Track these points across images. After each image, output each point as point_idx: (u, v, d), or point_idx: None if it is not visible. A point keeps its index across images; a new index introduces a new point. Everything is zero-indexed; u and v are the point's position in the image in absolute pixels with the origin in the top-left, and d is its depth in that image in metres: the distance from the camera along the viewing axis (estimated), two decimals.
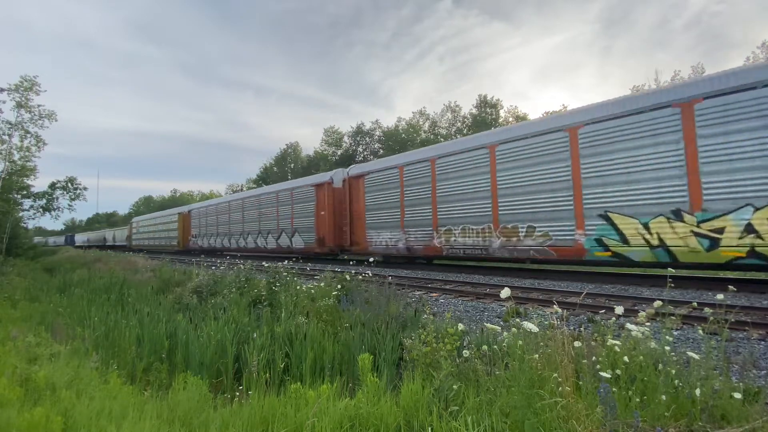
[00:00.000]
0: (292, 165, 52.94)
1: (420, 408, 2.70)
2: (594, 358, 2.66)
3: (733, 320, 4.33)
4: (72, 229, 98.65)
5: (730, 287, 3.79)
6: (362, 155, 44.88)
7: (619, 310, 3.02)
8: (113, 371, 4.31)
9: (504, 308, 6.99)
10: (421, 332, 3.72)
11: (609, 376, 2.37)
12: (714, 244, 7.65)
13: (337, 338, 4.83)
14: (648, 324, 3.03)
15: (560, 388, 2.26)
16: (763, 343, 4.72)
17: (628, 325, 2.81)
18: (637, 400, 2.38)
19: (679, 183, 8.09)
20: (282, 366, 4.46)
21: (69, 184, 24.39)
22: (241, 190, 62.89)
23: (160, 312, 6.98)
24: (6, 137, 19.44)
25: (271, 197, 21.89)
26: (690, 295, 7.24)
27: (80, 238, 70.96)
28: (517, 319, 3.69)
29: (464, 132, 40.53)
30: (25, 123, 19.78)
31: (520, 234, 10.69)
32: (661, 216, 8.29)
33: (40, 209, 23.82)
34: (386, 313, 5.40)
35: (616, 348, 2.70)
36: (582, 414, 2.16)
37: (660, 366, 2.58)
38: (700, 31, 62.61)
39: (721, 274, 10.28)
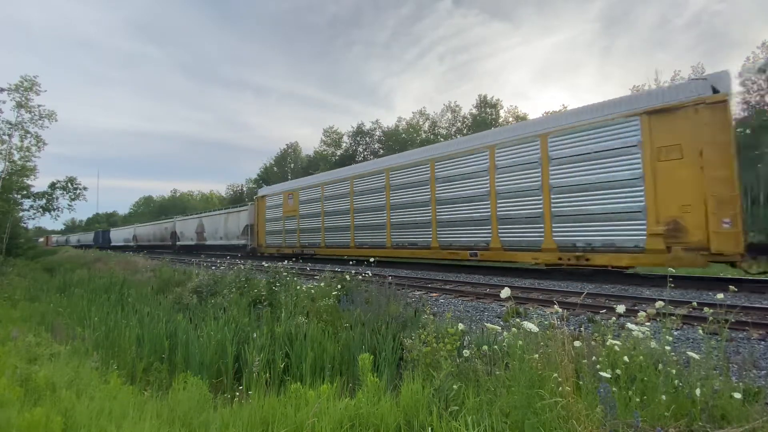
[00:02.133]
0: (292, 165, 52.89)
1: (420, 408, 2.70)
2: (594, 358, 2.66)
3: (733, 320, 4.34)
4: (72, 228, 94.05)
5: (731, 287, 3.79)
6: (362, 155, 44.86)
7: (621, 309, 3.02)
8: (113, 371, 4.31)
9: (504, 308, 6.99)
10: (421, 332, 3.72)
11: (609, 376, 2.37)
12: None
13: (337, 338, 4.83)
14: (648, 324, 3.02)
15: (560, 388, 2.26)
16: (763, 343, 4.72)
17: (629, 325, 2.81)
18: (637, 400, 2.38)
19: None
20: (282, 366, 4.46)
21: (69, 184, 24.38)
22: (242, 190, 61.41)
23: (160, 312, 6.98)
24: (6, 137, 19.47)
25: None
26: (690, 295, 7.24)
27: (120, 234, 48.82)
28: (517, 319, 3.69)
29: (464, 132, 40.53)
30: (25, 123, 19.81)
31: None
32: None
33: (40, 209, 23.81)
34: (386, 313, 5.40)
35: (616, 348, 2.69)
36: (582, 414, 2.16)
37: (660, 366, 2.58)
38: (701, 31, 62.58)
39: (721, 274, 10.29)
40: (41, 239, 72.10)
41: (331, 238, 17.64)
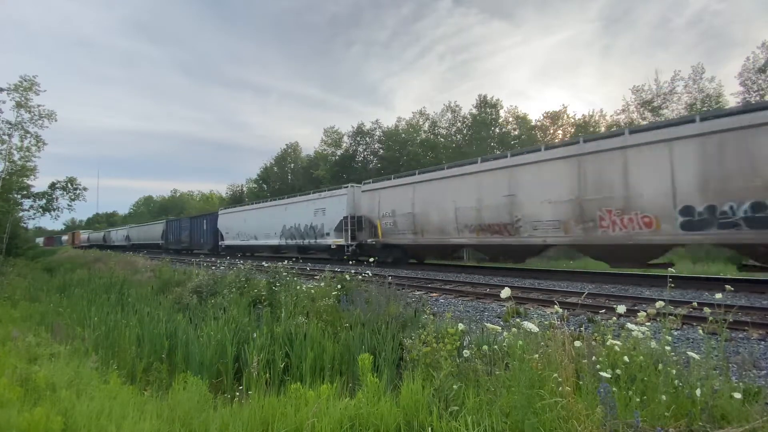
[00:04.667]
0: (292, 165, 52.79)
1: (420, 408, 2.70)
2: (594, 358, 2.66)
3: (732, 320, 4.33)
4: (70, 227, 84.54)
5: (728, 287, 3.78)
6: (362, 155, 44.82)
7: (621, 309, 3.02)
8: (113, 371, 4.31)
9: (504, 308, 6.99)
10: (421, 332, 3.72)
11: (609, 376, 2.37)
12: None
13: (337, 338, 4.83)
14: (648, 324, 3.02)
15: (560, 388, 2.25)
16: (763, 343, 4.72)
17: (629, 325, 2.81)
18: (637, 400, 2.37)
19: None
20: (282, 366, 4.46)
21: (69, 185, 24.30)
22: (242, 190, 60.73)
23: (160, 312, 6.98)
24: (6, 137, 19.44)
25: None
26: (690, 295, 7.24)
27: (251, 223, 23.44)
28: (518, 319, 3.69)
29: (464, 132, 40.52)
30: (25, 123, 19.76)
31: None
32: None
33: (40, 209, 23.78)
34: (386, 313, 5.40)
35: (616, 348, 2.69)
36: (582, 414, 2.16)
37: (660, 366, 2.58)
38: (701, 30, 62.57)
39: (722, 274, 10.29)
40: (65, 237, 66.77)
41: None
